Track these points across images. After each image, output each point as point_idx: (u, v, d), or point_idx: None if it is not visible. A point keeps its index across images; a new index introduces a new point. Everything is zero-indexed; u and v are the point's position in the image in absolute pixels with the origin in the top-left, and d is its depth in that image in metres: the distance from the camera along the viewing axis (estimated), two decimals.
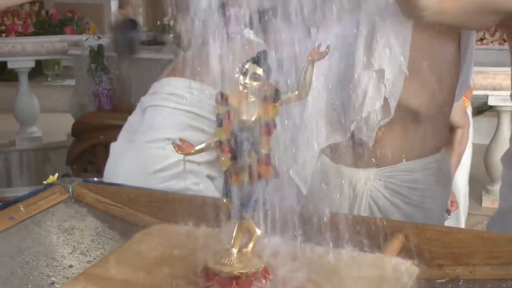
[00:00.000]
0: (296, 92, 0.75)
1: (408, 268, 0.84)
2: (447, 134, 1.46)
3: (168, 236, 0.94)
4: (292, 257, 0.85)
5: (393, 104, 1.28)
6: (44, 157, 4.34)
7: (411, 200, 1.36)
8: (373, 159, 1.33)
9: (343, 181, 1.37)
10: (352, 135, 1.33)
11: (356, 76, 1.27)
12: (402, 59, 1.26)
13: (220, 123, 0.75)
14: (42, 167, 4.26)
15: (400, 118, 1.30)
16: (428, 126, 1.35)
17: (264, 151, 0.74)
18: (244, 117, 0.74)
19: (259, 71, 0.74)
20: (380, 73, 1.27)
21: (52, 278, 0.89)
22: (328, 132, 1.35)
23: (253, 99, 0.75)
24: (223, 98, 0.75)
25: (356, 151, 1.33)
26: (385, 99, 1.28)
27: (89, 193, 1.16)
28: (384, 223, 0.99)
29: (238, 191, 0.75)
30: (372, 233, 0.94)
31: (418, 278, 0.83)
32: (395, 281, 0.80)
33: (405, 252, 0.91)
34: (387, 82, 1.26)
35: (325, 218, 0.94)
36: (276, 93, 0.75)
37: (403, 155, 1.34)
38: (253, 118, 0.74)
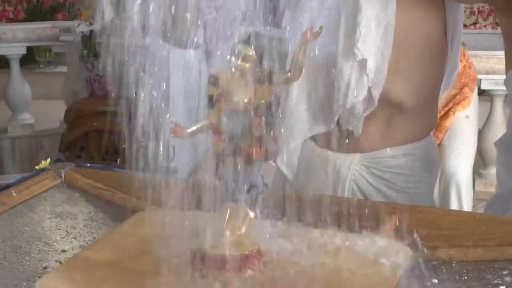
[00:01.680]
0: (289, 74, 0.75)
1: (401, 250, 0.84)
2: (435, 121, 1.46)
3: (161, 220, 0.93)
4: (285, 239, 0.85)
5: (376, 94, 1.28)
6: (37, 144, 4.32)
7: (395, 185, 1.36)
8: (356, 144, 1.33)
9: (328, 166, 1.37)
10: (339, 124, 1.33)
11: (338, 67, 1.27)
12: (385, 47, 1.26)
13: (212, 105, 0.75)
14: (35, 154, 4.25)
15: (385, 107, 1.30)
16: (414, 114, 1.35)
17: (256, 133, 0.74)
18: (236, 100, 0.74)
19: (251, 52, 0.73)
20: (363, 63, 1.26)
21: (45, 263, 0.88)
22: (311, 123, 1.35)
23: (245, 81, 0.74)
24: (215, 79, 0.74)
25: (341, 136, 1.34)
26: (369, 89, 1.27)
27: (82, 178, 1.16)
28: (377, 205, 0.99)
29: (230, 174, 0.74)
30: (365, 216, 0.94)
31: (411, 260, 0.83)
32: (388, 262, 0.80)
33: (398, 234, 0.91)
34: (369, 72, 1.26)
35: (317, 201, 0.94)
36: (268, 75, 0.74)
37: (388, 142, 1.34)
38: (245, 100, 0.74)
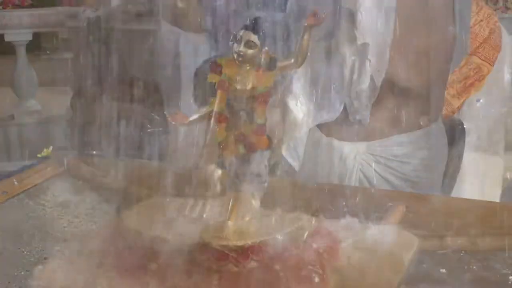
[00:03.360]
0: (293, 60, 0.73)
1: (409, 239, 0.82)
2: (442, 105, 1.43)
3: (164, 209, 0.92)
4: (290, 229, 0.84)
5: (379, 79, 1.26)
6: (44, 130, 4.32)
7: (403, 174, 1.34)
8: (363, 133, 1.32)
9: (334, 155, 1.36)
10: (346, 111, 1.31)
11: (341, 53, 1.25)
12: (386, 31, 1.23)
13: (214, 93, 0.73)
14: (42, 141, 4.25)
15: (391, 92, 1.28)
16: (420, 99, 1.32)
17: (259, 121, 0.72)
18: (239, 86, 0.72)
19: (254, 38, 0.71)
20: (365, 47, 1.24)
21: (46, 253, 0.87)
22: (316, 112, 1.33)
23: (248, 68, 0.72)
24: (217, 66, 0.72)
25: (347, 125, 1.32)
26: (371, 75, 1.25)
27: (84, 166, 1.15)
28: (385, 193, 0.98)
29: (233, 162, 0.73)
30: (373, 204, 0.93)
31: (419, 250, 0.82)
32: (396, 252, 0.79)
33: (406, 223, 0.90)
34: (371, 57, 1.24)
35: (323, 190, 0.93)
36: (272, 61, 0.72)
37: (395, 129, 1.32)
38: (248, 87, 0.72)
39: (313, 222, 0.85)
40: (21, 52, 4.35)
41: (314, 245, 0.79)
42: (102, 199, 1.06)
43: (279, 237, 0.81)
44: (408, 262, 0.78)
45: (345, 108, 1.31)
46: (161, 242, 0.79)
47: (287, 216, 0.86)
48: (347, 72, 1.25)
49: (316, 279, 0.73)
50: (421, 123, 1.35)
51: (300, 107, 1.32)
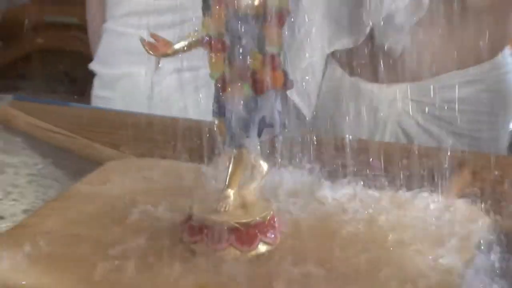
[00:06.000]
0: None
1: (476, 217, 0.83)
2: (510, 29, 1.43)
3: (135, 174, 0.93)
4: (312, 200, 0.85)
5: None
6: None
7: (457, 127, 1.35)
8: (402, 70, 1.32)
9: (362, 102, 1.36)
10: (373, 38, 1.31)
11: None
12: None
13: (208, 10, 0.73)
14: None
15: (439, 11, 1.28)
16: (481, 19, 1.32)
17: (272, 49, 0.72)
18: (244, 1, 0.72)
19: None
20: None
21: None
22: (333, 32, 1.33)
23: None
24: None
25: (379, 60, 1.32)
26: None
27: (24, 116, 1.16)
28: (439, 152, 0.98)
29: (236, 107, 0.73)
30: (426, 168, 0.94)
31: (489, 230, 0.83)
32: (457, 233, 0.80)
33: (473, 194, 0.91)
34: None
35: (353, 146, 0.94)
36: None
37: (445, 64, 1.33)
38: (256, 2, 0.72)
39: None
40: None
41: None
42: (50, 161, 1.08)
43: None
44: (474, 249, 0.79)
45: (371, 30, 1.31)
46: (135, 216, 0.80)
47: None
48: None
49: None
50: (483, 53, 1.35)
51: (310, 26, 1.32)
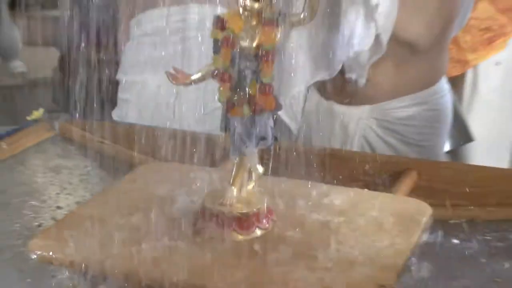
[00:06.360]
0: (302, 16, 0.72)
1: (421, 208, 0.83)
2: (446, 64, 1.43)
3: (162, 175, 0.92)
4: (296, 196, 0.84)
5: (385, 39, 1.25)
6: (29, 94, 4.29)
7: (407, 138, 1.35)
8: (364, 95, 1.32)
9: (335, 120, 1.36)
10: (343, 72, 1.31)
11: (342, 10, 1.23)
12: None
13: (217, 50, 0.72)
14: (27, 104, 4.23)
15: (394, 52, 1.28)
16: (424, 58, 1.32)
17: (265, 80, 0.71)
18: (245, 43, 0.71)
19: None
20: (371, 7, 1.23)
21: (39, 221, 0.88)
22: (313, 68, 1.33)
23: (254, 23, 0.71)
24: (220, 21, 0.71)
25: (347, 87, 1.32)
26: (377, 35, 1.25)
27: (77, 130, 1.15)
28: (393, 159, 0.97)
29: (238, 124, 0.72)
30: (382, 171, 0.93)
31: (432, 219, 0.82)
32: (407, 221, 0.79)
33: (418, 191, 0.90)
34: (379, 17, 1.23)
35: (327, 155, 0.93)
36: (280, 16, 0.71)
37: (397, 91, 1.33)
38: (254, 44, 0.71)
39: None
40: (3, 8, 4.29)
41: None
42: (97, 164, 1.07)
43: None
44: (419, 233, 0.78)
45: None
46: (160, 208, 0.79)
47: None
48: (347, 31, 1.25)
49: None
50: (426, 83, 1.35)
51: (296, 63, 1.31)
